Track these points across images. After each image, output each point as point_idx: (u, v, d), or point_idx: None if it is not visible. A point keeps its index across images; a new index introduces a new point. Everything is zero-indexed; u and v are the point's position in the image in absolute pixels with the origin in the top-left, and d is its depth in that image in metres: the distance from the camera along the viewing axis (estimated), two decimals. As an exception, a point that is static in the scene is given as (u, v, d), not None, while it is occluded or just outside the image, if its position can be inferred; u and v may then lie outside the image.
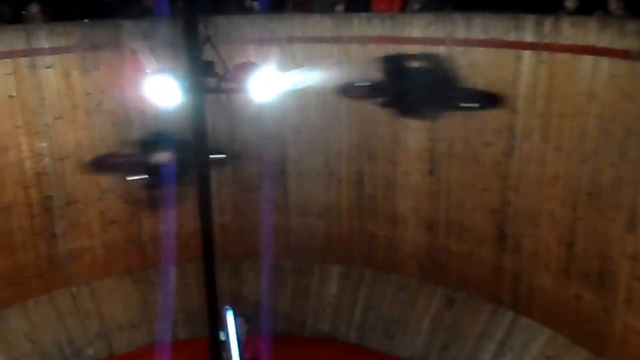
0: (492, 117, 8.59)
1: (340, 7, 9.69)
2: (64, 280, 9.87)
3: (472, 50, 8.60)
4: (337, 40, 9.51)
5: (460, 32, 8.65)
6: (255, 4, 9.95)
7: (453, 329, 9.46)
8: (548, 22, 7.87)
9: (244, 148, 10.29)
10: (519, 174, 8.57)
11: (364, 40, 9.32)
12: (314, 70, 9.63)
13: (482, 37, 8.48)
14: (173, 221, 9.68)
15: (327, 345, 10.18)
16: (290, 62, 9.62)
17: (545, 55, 7.98)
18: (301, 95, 9.61)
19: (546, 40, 7.91)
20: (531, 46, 8.08)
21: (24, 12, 9.42)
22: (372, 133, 9.68)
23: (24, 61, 8.96)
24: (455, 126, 8.98)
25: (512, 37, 8.23)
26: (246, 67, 6.61)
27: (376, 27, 9.24)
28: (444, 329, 9.54)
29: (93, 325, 9.96)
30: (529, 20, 8.05)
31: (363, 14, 9.40)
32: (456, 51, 8.69)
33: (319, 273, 10.65)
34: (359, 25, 9.36)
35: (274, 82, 6.52)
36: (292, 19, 9.74)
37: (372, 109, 9.33)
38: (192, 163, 6.83)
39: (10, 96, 8.91)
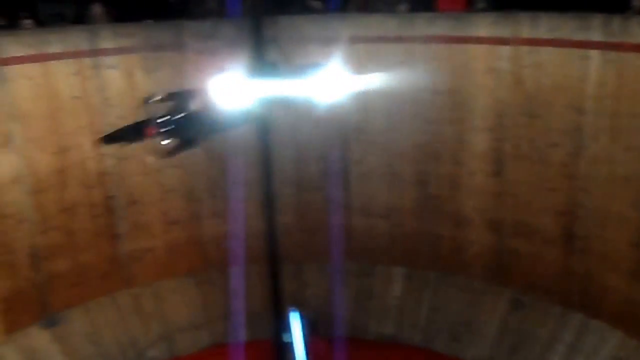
0: (559, 117, 9.42)
1: (403, 7, 10.68)
2: (126, 281, 11.06)
3: (537, 49, 9.44)
4: (400, 39, 10.45)
5: (526, 32, 9.50)
6: (319, 4, 10.97)
7: (521, 331, 10.33)
8: (616, 22, 8.66)
9: (306, 148, 11.20)
10: (588, 175, 9.35)
11: (428, 40, 10.26)
12: (377, 70, 10.57)
13: (549, 36, 9.32)
14: (235, 222, 10.52)
15: (391, 348, 11.13)
16: (353, 62, 10.38)
17: (613, 54, 8.75)
18: (364, 96, 10.37)
19: (614, 40, 8.69)
20: (599, 45, 8.88)
21: (87, 13, 10.44)
22: (436, 133, 10.64)
23: (88, 61, 10.08)
24: (521, 127, 9.84)
25: (579, 36, 9.05)
26: (309, 67, 7.35)
27: (440, 26, 10.22)
28: (511, 331, 10.43)
29: (155, 327, 11.07)
30: (597, 20, 8.85)
31: (427, 14, 10.35)
32: (521, 51, 9.54)
33: (382, 275, 11.59)
34: (422, 24, 10.31)
35: (337, 82, 7.19)
36: (355, 19, 10.78)
37: (437, 109, 10.24)
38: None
39: (75, 96, 10.02)
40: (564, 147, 9.50)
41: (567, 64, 9.19)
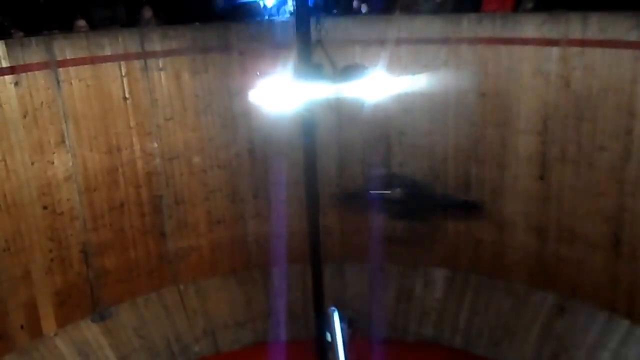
0: (608, 120, 8.87)
1: (448, 7, 10.14)
2: (172, 278, 10.92)
3: (588, 50, 8.88)
4: (445, 41, 10.02)
5: (576, 32, 8.95)
6: (364, 6, 10.58)
7: (564, 337, 9.81)
8: (670, 21, 8.06)
9: (349, 149, 10.91)
10: (637, 180, 8.78)
11: (474, 41, 9.80)
12: (421, 72, 10.17)
13: (599, 37, 8.75)
14: (277, 222, 10.40)
15: (431, 349, 10.75)
16: (397, 64, 10.23)
17: (667, 55, 8.18)
18: (407, 97, 10.15)
19: (668, 40, 8.11)
20: (652, 46, 8.30)
21: (137, 16, 10.38)
22: (480, 136, 10.16)
23: (137, 63, 9.96)
24: (568, 130, 9.31)
25: (632, 36, 8.45)
26: (353, 69, 7.13)
27: (486, 27, 9.71)
28: (554, 337, 9.91)
29: (199, 323, 10.92)
30: (650, 19, 8.26)
31: (472, 14, 9.87)
32: (570, 52, 9.01)
33: (423, 277, 11.22)
34: (468, 25, 9.85)
35: (381, 83, 6.93)
36: (399, 21, 10.33)
37: (482, 111, 9.85)
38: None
39: (125, 97, 9.91)
40: (612, 151, 8.93)
41: (617, 65, 8.60)
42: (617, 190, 9.03)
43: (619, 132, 8.82)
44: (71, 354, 9.73)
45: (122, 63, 9.77)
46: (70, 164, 9.52)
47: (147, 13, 10.31)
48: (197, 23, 10.33)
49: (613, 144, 8.93)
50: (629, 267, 9.14)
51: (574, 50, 8.99)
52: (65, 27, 9.77)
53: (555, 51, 9.16)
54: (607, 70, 8.76)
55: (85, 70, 9.47)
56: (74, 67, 9.37)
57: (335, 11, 10.77)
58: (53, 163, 9.34)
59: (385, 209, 9.66)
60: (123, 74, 9.80)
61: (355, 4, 10.69)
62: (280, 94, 6.99)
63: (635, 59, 8.44)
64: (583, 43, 8.90)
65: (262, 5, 11.18)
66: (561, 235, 9.81)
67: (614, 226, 9.19)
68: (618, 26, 8.56)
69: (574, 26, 8.94)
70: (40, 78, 9.04)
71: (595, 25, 8.76)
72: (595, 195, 9.28)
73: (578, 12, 8.93)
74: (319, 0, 10.71)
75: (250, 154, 10.88)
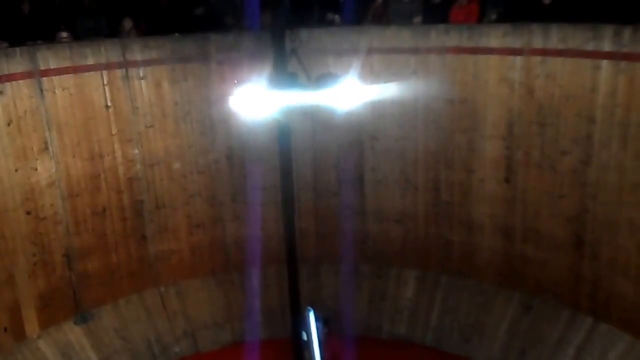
0: (569, 126, 8.87)
1: (417, 19, 10.12)
2: (153, 281, 10.69)
3: (549, 60, 8.89)
4: (414, 51, 9.96)
5: (538, 42, 8.97)
6: (337, 17, 10.52)
7: (530, 334, 9.74)
8: (627, 32, 8.09)
9: (324, 154, 10.85)
10: (597, 182, 8.78)
11: (441, 50, 9.75)
12: (392, 80, 10.12)
13: (560, 46, 8.77)
14: (255, 225, 10.31)
15: (404, 347, 10.60)
16: (369, 73, 10.14)
17: (623, 64, 8.20)
18: (379, 104, 10.11)
19: (625, 50, 8.14)
20: (609, 55, 8.32)
21: (119, 27, 10.22)
22: (448, 141, 10.09)
23: (118, 73, 9.79)
24: (532, 135, 9.29)
25: (590, 46, 8.49)
26: (327, 77, 7.09)
27: (453, 37, 9.67)
28: (521, 334, 9.83)
29: (180, 324, 10.69)
30: (608, 30, 8.30)
31: (440, 25, 9.81)
32: (533, 61, 9.01)
33: (396, 277, 11.08)
34: (436, 36, 9.80)
35: (353, 91, 6.91)
36: (371, 31, 10.26)
37: (450, 118, 9.83)
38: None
39: (107, 105, 9.73)
40: (573, 155, 8.91)
41: (578, 73, 8.61)
42: (579, 192, 9.01)
43: (579, 137, 8.81)
44: (54, 356, 9.49)
45: (104, 72, 9.60)
46: (54, 170, 9.32)
47: (128, 24, 10.14)
48: (176, 34, 10.14)
49: (574, 149, 8.91)
50: (591, 266, 9.10)
51: (537, 59, 8.99)
52: (49, 38, 9.56)
53: (518, 60, 9.15)
54: (567, 79, 8.77)
55: (68, 79, 9.30)
56: (57, 77, 9.20)
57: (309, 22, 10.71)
58: (36, 169, 9.14)
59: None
60: (105, 82, 9.62)
61: (328, 15, 10.61)
62: (257, 101, 6.96)
63: (594, 67, 8.46)
64: (545, 52, 8.91)
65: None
66: (526, 236, 9.75)
67: (576, 227, 9.16)
68: (577, 37, 8.57)
69: (536, 37, 8.95)
70: (24, 87, 8.87)
71: (556, 36, 8.77)
72: (558, 197, 9.25)
73: (540, 24, 8.95)
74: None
75: (229, 160, 10.70)
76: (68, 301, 9.84)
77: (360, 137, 10.65)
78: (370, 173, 10.82)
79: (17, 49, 8.92)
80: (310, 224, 11.22)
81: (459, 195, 10.27)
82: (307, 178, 10.97)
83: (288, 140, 7.47)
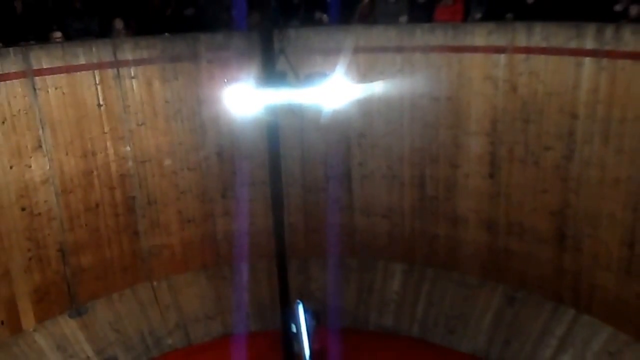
0: (552, 122, 8.75)
1: (403, 18, 9.94)
2: (146, 275, 10.55)
3: (533, 57, 8.75)
4: (400, 49, 9.79)
5: (522, 40, 8.82)
6: (324, 17, 10.33)
7: (514, 325, 9.63)
8: (609, 30, 7.97)
9: (312, 151, 10.71)
10: (579, 177, 8.67)
11: (426, 49, 9.58)
12: (378, 79, 9.97)
13: (543, 44, 8.63)
14: (245, 220, 10.19)
15: (391, 339, 10.46)
16: (356, 71, 9.97)
17: (605, 62, 8.07)
18: (365, 102, 9.98)
19: (607, 48, 8.02)
20: (592, 53, 8.20)
21: (110, 27, 10.02)
22: (433, 138, 9.93)
23: (110, 72, 9.61)
24: (515, 131, 9.15)
25: (573, 44, 8.36)
26: (314, 76, 7.03)
27: (439, 36, 9.51)
28: (505, 325, 9.72)
29: (172, 317, 10.56)
30: (590, 28, 8.17)
31: (426, 24, 9.64)
32: (516, 59, 8.87)
33: (383, 270, 10.95)
34: (421, 35, 9.63)
35: (340, 90, 6.88)
36: (357, 30, 10.07)
37: (435, 115, 9.67)
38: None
39: (99, 104, 9.56)
40: (556, 150, 8.79)
41: (561, 71, 8.48)
42: (561, 187, 8.88)
43: (562, 133, 8.68)
44: (50, 348, 9.37)
45: (96, 72, 9.43)
46: (47, 167, 9.15)
47: (119, 24, 9.96)
48: (166, 34, 9.96)
49: (557, 144, 8.78)
50: (573, 259, 8.99)
51: (520, 57, 8.84)
52: (42, 38, 9.38)
53: (502, 58, 8.99)
54: (550, 76, 8.64)
55: (61, 78, 9.14)
56: (50, 76, 9.04)
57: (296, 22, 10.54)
58: (31, 167, 9.00)
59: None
60: (97, 82, 9.44)
61: (316, 15, 10.43)
62: (246, 100, 6.91)
63: (576, 65, 8.33)
64: (528, 50, 8.76)
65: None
66: (510, 230, 9.61)
67: (558, 221, 9.05)
68: (560, 35, 8.44)
69: (520, 35, 8.79)
70: (17, 86, 8.72)
71: (539, 34, 8.63)
72: (541, 192, 9.12)
73: (523, 22, 8.82)
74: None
75: (219, 157, 10.55)
76: (63, 295, 9.70)
77: (347, 134, 10.48)
78: (358, 169, 10.66)
79: (11, 49, 8.77)
80: (299, 219, 11.06)
81: (444, 190, 10.11)
82: (296, 174, 10.82)
83: (277, 137, 7.41)
